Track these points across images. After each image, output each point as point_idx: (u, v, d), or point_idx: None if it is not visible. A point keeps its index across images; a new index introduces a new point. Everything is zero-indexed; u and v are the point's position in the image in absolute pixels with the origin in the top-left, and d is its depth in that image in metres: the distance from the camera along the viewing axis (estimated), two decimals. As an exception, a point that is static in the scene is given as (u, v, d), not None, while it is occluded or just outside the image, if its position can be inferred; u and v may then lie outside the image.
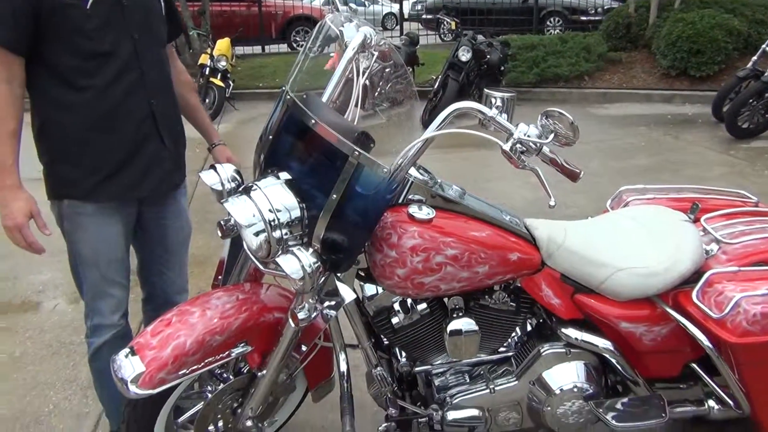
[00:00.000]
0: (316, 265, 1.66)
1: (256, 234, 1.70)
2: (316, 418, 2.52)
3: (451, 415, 2.03)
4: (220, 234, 2.07)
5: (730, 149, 6.30)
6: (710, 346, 1.87)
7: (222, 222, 2.05)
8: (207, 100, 8.04)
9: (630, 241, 2.03)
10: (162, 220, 2.23)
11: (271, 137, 1.86)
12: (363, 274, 1.96)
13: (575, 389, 2.01)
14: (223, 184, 1.95)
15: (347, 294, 1.79)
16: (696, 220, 2.14)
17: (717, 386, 2.05)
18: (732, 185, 2.85)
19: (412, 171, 1.83)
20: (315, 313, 1.78)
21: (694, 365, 2.07)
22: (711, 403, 2.10)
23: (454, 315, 1.95)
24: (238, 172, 1.99)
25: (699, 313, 1.87)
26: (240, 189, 1.89)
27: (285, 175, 1.79)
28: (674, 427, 2.40)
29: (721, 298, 1.85)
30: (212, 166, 1.98)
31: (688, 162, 5.97)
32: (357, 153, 1.63)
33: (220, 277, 2.19)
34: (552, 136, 1.64)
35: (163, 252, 2.29)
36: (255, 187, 1.77)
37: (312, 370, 2.16)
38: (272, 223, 1.70)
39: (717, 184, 2.33)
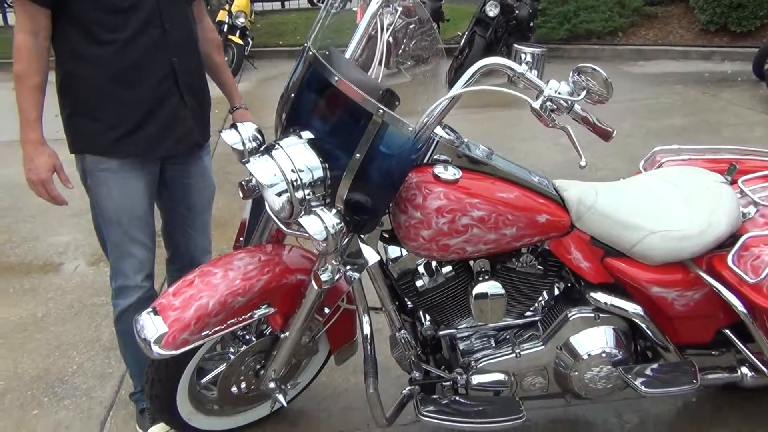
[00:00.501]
0: (340, 226, 1.68)
1: (279, 194, 1.72)
2: (338, 380, 2.57)
3: (476, 379, 2.05)
4: (241, 195, 2.09)
5: (770, 109, 6.19)
6: (745, 311, 1.86)
7: (243, 182, 2.07)
8: (225, 59, 8.03)
9: (664, 203, 2.02)
10: (185, 180, 2.25)
11: (292, 95, 1.86)
12: (387, 235, 1.98)
13: (603, 354, 2.02)
14: (244, 144, 1.96)
15: (371, 256, 1.80)
16: (733, 182, 2.12)
17: (751, 353, 2.05)
18: (773, 147, 2.81)
19: (438, 130, 1.83)
20: (338, 276, 1.80)
21: (727, 331, 2.07)
22: (744, 370, 2.11)
23: (480, 278, 1.96)
24: (259, 131, 2.00)
25: (734, 278, 1.86)
26: (262, 149, 1.90)
27: (307, 135, 1.79)
28: (703, 394, 2.42)
29: (758, 262, 1.84)
30: (233, 126, 1.99)
31: (726, 122, 5.86)
32: (382, 111, 1.63)
33: (241, 238, 2.22)
34: (584, 93, 1.63)
35: (187, 212, 2.31)
36: (277, 146, 1.78)
37: (335, 333, 2.19)
38: (294, 184, 1.71)
39: (757, 145, 2.29)
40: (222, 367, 2.17)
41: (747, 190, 2.04)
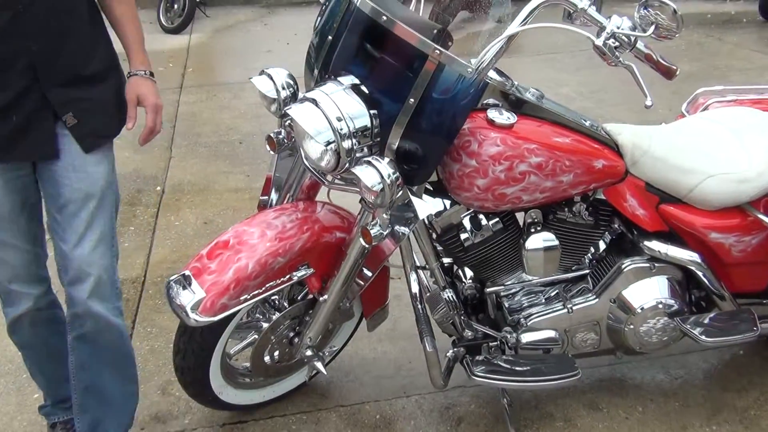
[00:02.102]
0: (396, 175, 1.75)
1: (326, 144, 1.78)
2: (365, 350, 2.67)
3: (527, 337, 2.17)
4: (269, 148, 2.16)
5: (781, 51, 6.41)
6: (808, 254, 2.01)
7: (273, 134, 2.14)
8: (175, 6, 7.91)
9: (719, 145, 2.14)
10: (55, 174, 1.89)
11: (330, 38, 1.92)
12: (431, 188, 2.06)
13: (660, 306, 2.16)
14: (278, 91, 2.01)
15: (423, 208, 1.88)
16: (785, 123, 2.25)
17: (808, 299, 2.21)
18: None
19: (490, 72, 1.91)
20: (388, 230, 1.88)
21: (784, 278, 2.22)
22: (799, 317, 2.26)
23: (532, 229, 2.07)
24: (292, 77, 2.05)
25: (796, 220, 2.00)
26: (300, 97, 1.95)
27: (350, 80, 1.86)
28: (751, 346, 2.59)
29: (821, 203, 1.98)
30: (263, 72, 2.04)
31: (735, 67, 6.06)
32: (438, 52, 1.70)
33: (266, 197, 2.28)
34: (652, 28, 1.72)
35: (57, 212, 1.92)
36: (319, 93, 1.84)
37: (368, 297, 2.28)
38: (341, 132, 1.78)
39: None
40: (252, 336, 2.25)
41: (802, 131, 2.17)
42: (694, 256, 2.14)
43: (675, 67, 1.85)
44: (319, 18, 2.01)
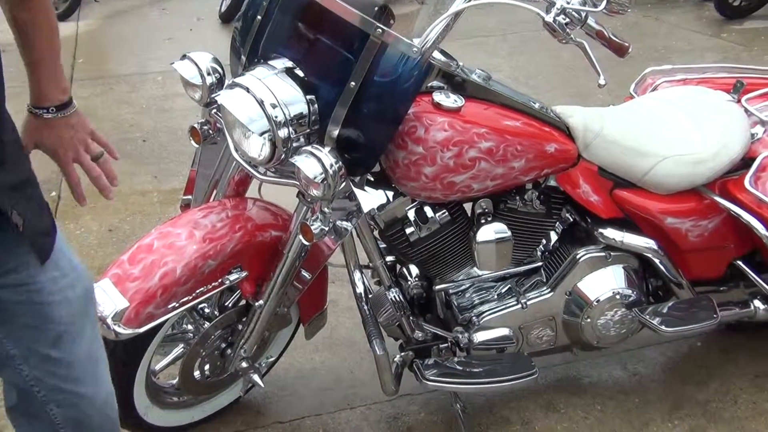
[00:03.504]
0: (338, 165, 1.79)
1: (260, 134, 1.81)
2: (301, 360, 2.70)
3: (479, 336, 2.24)
4: (193, 140, 2.17)
5: (721, 32, 6.70)
6: (767, 234, 2.14)
7: (197, 125, 2.14)
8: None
9: (673, 126, 2.26)
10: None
11: (259, 18, 1.94)
12: (372, 178, 2.11)
13: (617, 296, 2.26)
14: (203, 77, 2.02)
15: (367, 201, 1.92)
16: (736, 102, 2.39)
17: (765, 283, 2.34)
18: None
19: (434, 53, 1.96)
20: (329, 226, 1.92)
21: (740, 263, 2.35)
22: (757, 303, 2.41)
23: (483, 220, 2.14)
24: (217, 61, 2.07)
25: (753, 201, 2.13)
26: (228, 83, 1.97)
27: (283, 63, 1.89)
28: (709, 337, 2.74)
29: (777, 182, 2.11)
30: (185, 56, 2.05)
31: (674, 48, 6.32)
32: (380, 31, 1.74)
33: (189, 195, 2.29)
34: (603, 3, 1.81)
35: None
36: (249, 78, 1.86)
37: (306, 301, 2.31)
38: (276, 120, 1.81)
39: (710, 71, 2.65)
40: (179, 349, 2.25)
41: (753, 109, 2.32)
42: (650, 243, 2.25)
43: (627, 44, 1.96)
44: (244, -4, 2.04)
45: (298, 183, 1.83)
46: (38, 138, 1.55)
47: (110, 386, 1.62)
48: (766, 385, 2.53)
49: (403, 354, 2.27)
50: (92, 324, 1.56)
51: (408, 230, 2.14)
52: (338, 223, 1.94)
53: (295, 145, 1.84)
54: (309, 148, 1.80)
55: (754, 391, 2.51)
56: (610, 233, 2.23)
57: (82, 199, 1.63)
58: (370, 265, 2.20)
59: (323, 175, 1.76)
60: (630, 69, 2.80)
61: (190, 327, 2.25)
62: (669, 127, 2.26)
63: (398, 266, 2.32)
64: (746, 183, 2.14)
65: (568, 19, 1.87)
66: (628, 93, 2.64)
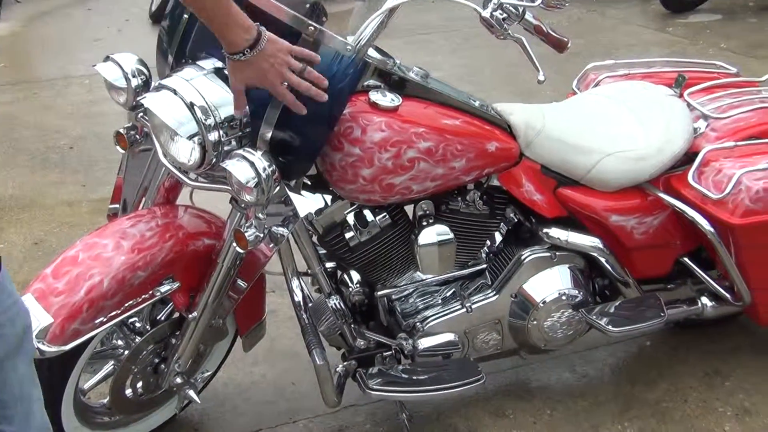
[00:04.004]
0: (272, 168, 1.78)
1: (189, 137, 1.80)
2: (240, 374, 2.68)
3: (424, 342, 2.25)
4: (119, 146, 2.15)
5: (666, 25, 6.86)
6: (712, 230, 2.19)
7: (123, 130, 2.12)
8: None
9: (615, 122, 2.30)
10: None
11: (185, 17, 1.93)
12: (308, 182, 2.11)
13: (563, 297, 2.29)
14: (128, 80, 2.00)
15: (303, 205, 1.93)
16: (679, 96, 2.44)
17: (712, 280, 2.40)
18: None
19: (368, 50, 1.97)
20: (264, 233, 1.91)
21: (686, 259, 2.41)
22: (704, 300, 2.46)
23: (424, 223, 2.15)
24: (143, 63, 2.05)
25: (696, 196, 2.18)
26: (154, 86, 1.95)
27: (211, 64, 1.88)
28: (658, 336, 2.79)
29: (720, 176, 2.17)
30: (108, 58, 2.02)
31: (620, 43, 6.44)
32: (313, 28, 1.74)
33: (116, 204, 2.26)
34: (541, -3, 1.84)
35: None
36: (176, 79, 1.84)
37: (243, 312, 2.30)
38: (206, 123, 1.80)
39: (657, 66, 2.71)
40: (109, 366, 2.22)
41: (695, 104, 2.37)
42: (595, 242, 2.29)
43: (566, 39, 2.00)
44: (170, -5, 2.02)
45: (230, 188, 1.82)
46: (244, 78, 1.72)
47: (44, 421, 1.62)
48: (716, 382, 2.58)
49: (345, 364, 2.27)
50: (27, 361, 1.55)
51: (347, 235, 2.14)
52: (274, 229, 1.94)
53: (226, 148, 1.84)
54: (241, 151, 1.79)
55: (704, 390, 2.56)
56: (555, 233, 2.27)
57: (302, 108, 1.76)
58: (309, 272, 2.20)
59: (256, 180, 1.76)
60: (575, 65, 2.85)
61: (120, 342, 2.22)
62: (611, 124, 2.30)
63: (339, 272, 2.33)
64: (689, 178, 2.19)
65: (505, 15, 1.90)
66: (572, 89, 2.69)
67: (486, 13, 1.86)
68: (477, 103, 2.14)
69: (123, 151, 2.16)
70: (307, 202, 1.94)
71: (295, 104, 1.75)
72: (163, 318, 2.24)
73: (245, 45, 1.66)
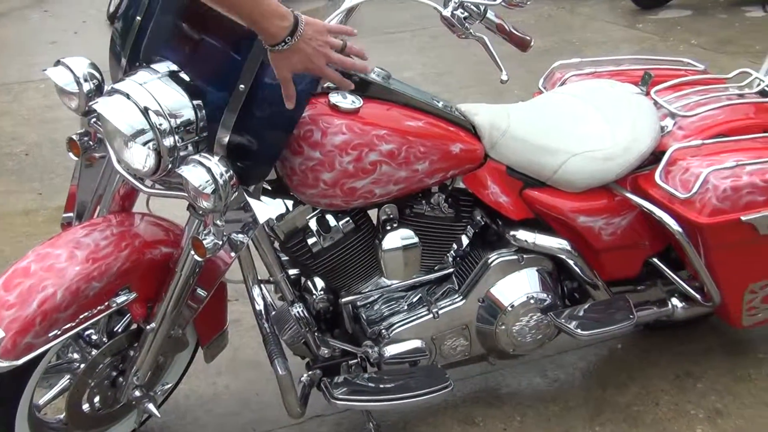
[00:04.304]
0: (229, 174, 1.78)
1: (143, 143, 1.78)
2: (202, 385, 2.66)
3: (390, 350, 2.25)
4: (72, 153, 2.13)
5: (636, 22, 6.92)
6: (680, 230, 2.21)
7: (75, 136, 2.10)
8: None
9: (581, 121, 2.32)
10: None
11: (138, 19, 1.92)
12: (269, 187, 2.10)
13: (532, 301, 2.31)
14: (79, 84, 1.98)
15: (262, 211, 1.91)
16: (646, 94, 2.46)
17: (682, 280, 2.42)
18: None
19: (328, 51, 1.97)
20: (223, 240, 1.90)
21: (656, 260, 2.43)
22: (674, 301, 2.49)
23: (388, 227, 2.15)
24: (95, 67, 2.03)
25: (664, 196, 2.20)
26: (107, 90, 1.94)
27: (166, 67, 1.87)
28: (629, 339, 2.81)
29: (687, 175, 2.19)
30: (59, 62, 2.00)
31: (590, 40, 6.50)
32: (270, 29, 1.74)
33: (70, 213, 2.24)
34: (502, -5, 1.85)
35: None
36: (129, 83, 1.83)
37: (204, 322, 2.28)
38: (161, 128, 1.78)
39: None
40: (65, 380, 2.19)
41: (662, 102, 2.39)
42: (563, 244, 2.30)
43: (529, 38, 2.01)
44: (124, -5, 2.01)
45: (186, 195, 1.81)
46: (290, 66, 1.69)
47: None
48: (687, 385, 2.61)
49: (310, 373, 2.26)
50: None
51: (310, 241, 2.14)
52: (233, 236, 1.93)
53: (182, 154, 1.83)
54: (197, 157, 1.78)
55: (676, 392, 2.58)
56: (522, 235, 2.28)
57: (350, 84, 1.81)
58: (271, 279, 2.19)
59: (213, 186, 1.75)
60: (545, 63, 2.86)
61: (76, 356, 2.19)
62: (577, 123, 2.32)
63: (303, 279, 2.32)
64: (656, 178, 2.21)
65: (466, 13, 1.91)
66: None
67: (447, 12, 1.86)
68: (440, 104, 2.14)
69: (76, 159, 2.13)
70: (267, 208, 1.92)
71: (343, 81, 1.78)
72: (120, 329, 2.22)
73: (285, 33, 1.63)
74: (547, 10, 7.45)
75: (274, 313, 2.20)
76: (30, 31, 7.28)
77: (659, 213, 2.22)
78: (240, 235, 1.93)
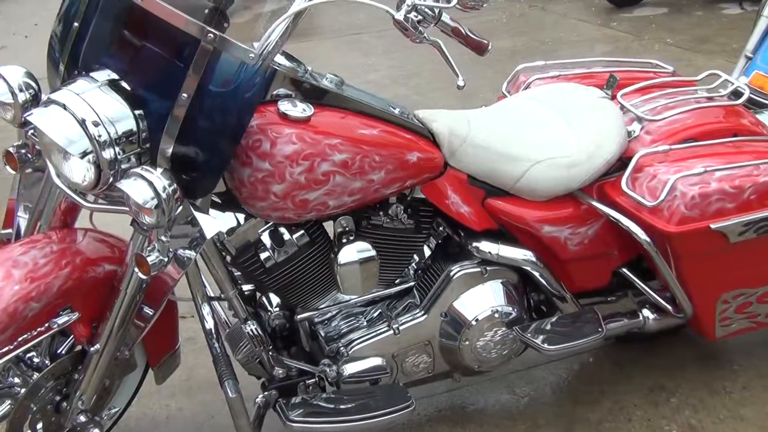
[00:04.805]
0: (172, 188, 1.76)
1: (81, 156, 1.76)
2: (155, 408, 2.64)
3: (349, 368, 2.24)
4: (9, 167, 2.10)
5: (610, 20, 6.98)
6: (648, 239, 2.21)
7: (12, 149, 2.07)
8: None
9: (544, 127, 2.32)
10: None
11: (76, 25, 1.90)
12: (218, 200, 2.08)
13: (496, 315, 2.30)
14: (14, 95, 1.96)
15: (210, 226, 1.90)
16: (612, 98, 2.47)
17: (652, 291, 2.43)
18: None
19: (277, 57, 1.96)
20: (168, 257, 1.88)
21: (625, 270, 2.44)
22: (645, 312, 2.49)
23: (344, 240, 2.14)
24: (31, 76, 2.01)
25: (631, 204, 2.21)
26: (43, 100, 1.91)
27: (105, 75, 1.84)
28: (600, 352, 2.82)
29: (655, 182, 2.20)
30: (-8, 71, 1.98)
31: (563, 40, 6.54)
32: (212, 36, 1.72)
33: (9, 229, 2.21)
34: (456, -2, 1.85)
35: None
36: (66, 93, 1.81)
37: (153, 342, 2.26)
38: (100, 140, 1.76)
39: (600, 64, 2.76)
40: (6, 406, 2.16)
41: (629, 105, 2.40)
42: (528, 255, 2.31)
43: (486, 42, 2.00)
44: (62, -1, 1.99)
45: (128, 210, 1.79)
46: None
47: None
48: (661, 399, 2.62)
49: (265, 394, 2.24)
50: None
51: (262, 255, 2.13)
52: (180, 252, 1.91)
53: (124, 166, 1.81)
54: (138, 170, 1.76)
55: (648, 407, 2.59)
56: (485, 246, 2.27)
57: None
58: (223, 296, 2.17)
59: (155, 200, 1.73)
60: (516, 64, 2.85)
61: (17, 380, 2.16)
62: (540, 129, 2.32)
63: (258, 295, 2.31)
64: (623, 185, 2.22)
65: (420, 17, 1.90)
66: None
67: (399, 16, 1.85)
68: (397, 111, 2.13)
69: (13, 172, 2.11)
70: (215, 222, 1.90)
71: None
72: (64, 351, 2.19)
73: None
74: (519, 9, 7.50)
75: (228, 331, 2.19)
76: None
77: (626, 222, 2.22)
78: (187, 252, 1.91)
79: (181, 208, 1.87)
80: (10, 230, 2.21)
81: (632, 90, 2.50)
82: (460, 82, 1.93)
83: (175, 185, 1.77)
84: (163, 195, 1.74)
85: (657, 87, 2.54)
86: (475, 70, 5.80)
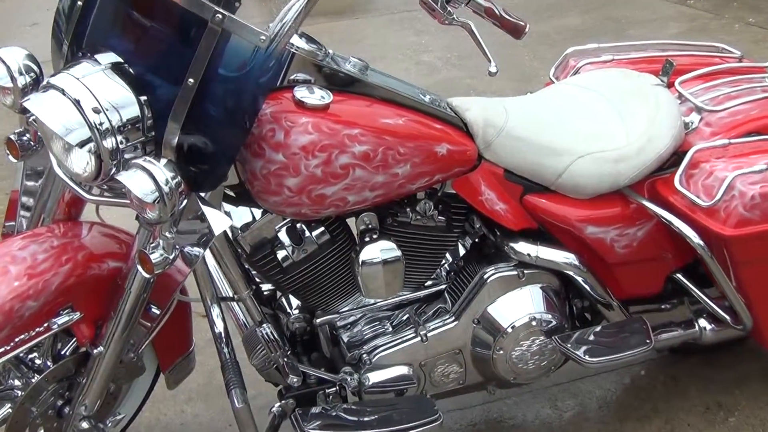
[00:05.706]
0: (176, 180, 1.76)
1: (80, 145, 1.77)
2: (170, 413, 2.66)
3: (372, 377, 2.23)
4: (11, 156, 2.12)
5: (687, -2, 6.84)
6: (701, 243, 2.16)
7: (14, 136, 2.09)
8: None
9: (590, 117, 2.28)
10: None
11: (80, 3, 1.90)
12: (232, 194, 2.08)
13: (533, 322, 2.27)
14: (14, 78, 1.98)
15: (219, 221, 1.89)
16: (669, 85, 2.41)
17: (709, 299, 2.37)
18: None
19: (295, 40, 1.94)
20: (174, 254, 1.88)
21: (679, 276, 2.38)
22: (702, 322, 2.44)
23: (366, 238, 2.12)
24: (33, 59, 2.02)
25: (684, 203, 2.16)
26: (43, 84, 1.93)
27: (109, 58, 1.85)
28: (653, 364, 2.77)
29: (711, 180, 2.14)
30: (-9, 52, 2.00)
31: (634, 19, 6.42)
32: (220, 16, 1.72)
33: (13, 222, 2.23)
34: (488, -26, 1.82)
35: None
36: (66, 77, 1.82)
37: (164, 344, 2.27)
38: (101, 128, 1.77)
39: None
40: (5, 410, 2.19)
41: (687, 94, 2.34)
42: (570, 258, 2.27)
43: (523, 23, 1.97)
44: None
45: (129, 203, 1.80)
46: None
47: None
48: (718, 418, 2.57)
49: (282, 402, 2.24)
50: None
51: (279, 254, 2.12)
52: (187, 249, 1.91)
53: (127, 156, 1.81)
54: (139, 161, 1.76)
55: (704, 426, 2.55)
56: (522, 247, 2.25)
57: None
58: (236, 297, 2.17)
59: (156, 194, 1.73)
60: (583, 45, 2.79)
61: (17, 382, 2.19)
62: (586, 119, 2.28)
63: (278, 295, 2.30)
64: (676, 182, 2.17)
65: (449, -5, 1.87)
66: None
67: (426, -6, 1.83)
68: (427, 98, 2.11)
69: (15, 161, 2.13)
70: (224, 219, 1.89)
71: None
72: (67, 352, 2.21)
73: None
74: (588, -18, 7.39)
75: (245, 333, 2.19)
76: (7, 10, 7.34)
77: (678, 223, 2.17)
78: (195, 248, 1.91)
79: (186, 201, 1.87)
80: (13, 222, 2.24)
81: (692, 77, 2.43)
82: (492, 68, 1.91)
83: (179, 177, 1.76)
84: (165, 188, 1.73)
85: (721, 74, 2.47)
86: (536, 50, 5.76)
